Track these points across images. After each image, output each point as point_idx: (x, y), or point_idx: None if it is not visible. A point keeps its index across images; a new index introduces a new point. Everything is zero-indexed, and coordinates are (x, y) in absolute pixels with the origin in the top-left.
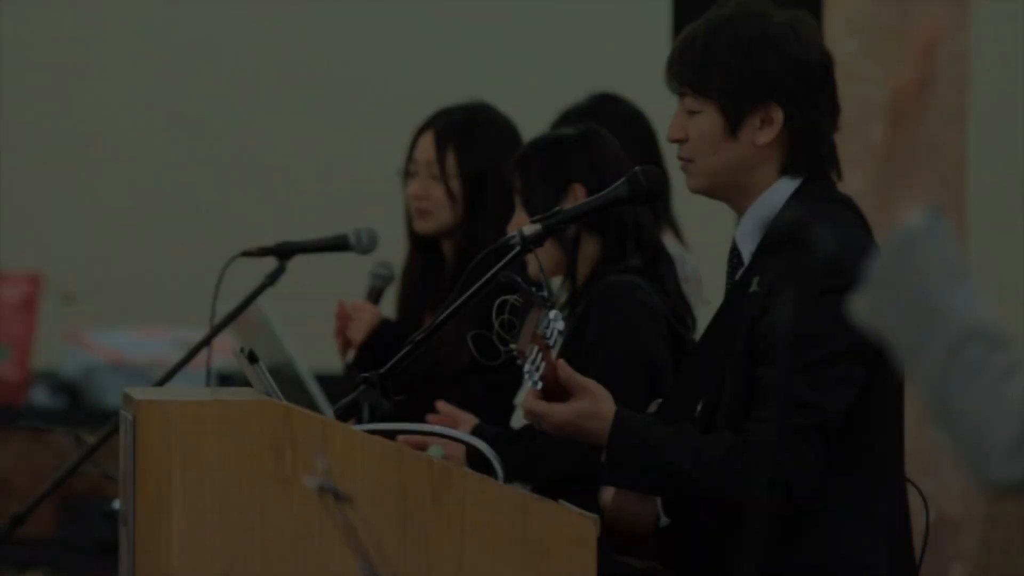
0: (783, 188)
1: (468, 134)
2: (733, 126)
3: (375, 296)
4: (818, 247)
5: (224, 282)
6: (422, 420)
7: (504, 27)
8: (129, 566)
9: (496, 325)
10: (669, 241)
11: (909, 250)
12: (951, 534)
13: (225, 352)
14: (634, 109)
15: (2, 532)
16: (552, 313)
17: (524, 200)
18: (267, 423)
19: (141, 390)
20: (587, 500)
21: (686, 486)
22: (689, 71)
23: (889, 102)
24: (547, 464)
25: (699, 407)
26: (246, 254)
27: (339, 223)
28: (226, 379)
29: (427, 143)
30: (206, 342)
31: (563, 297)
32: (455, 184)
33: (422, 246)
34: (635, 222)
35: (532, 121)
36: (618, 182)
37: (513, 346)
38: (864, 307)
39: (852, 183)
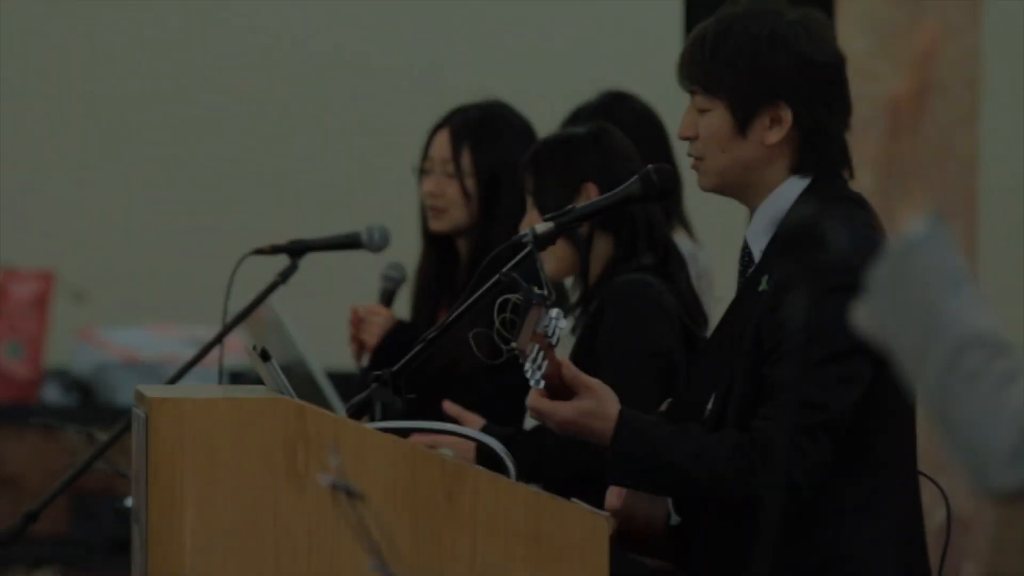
0: (793, 187)
1: (484, 133)
2: (742, 125)
3: (387, 298)
4: (831, 244)
5: (236, 280)
6: (436, 419)
7: (516, 25)
8: (142, 563)
9: (497, 323)
10: (681, 238)
11: (910, 258)
12: (963, 534)
13: (237, 350)
14: (645, 107)
15: (15, 529)
16: (554, 312)
17: (536, 199)
18: (280, 421)
19: (154, 388)
20: (599, 499)
21: (690, 485)
22: (699, 70)
23: (884, 113)
24: (559, 464)
25: (709, 406)
26: (258, 252)
27: (351, 221)
28: (238, 377)
29: (443, 141)
30: (218, 340)
31: (575, 295)
32: (470, 182)
33: (436, 245)
34: (647, 220)
35: (543, 119)
36: (630, 180)
37: (513, 345)
38: (865, 315)
39: (863, 181)
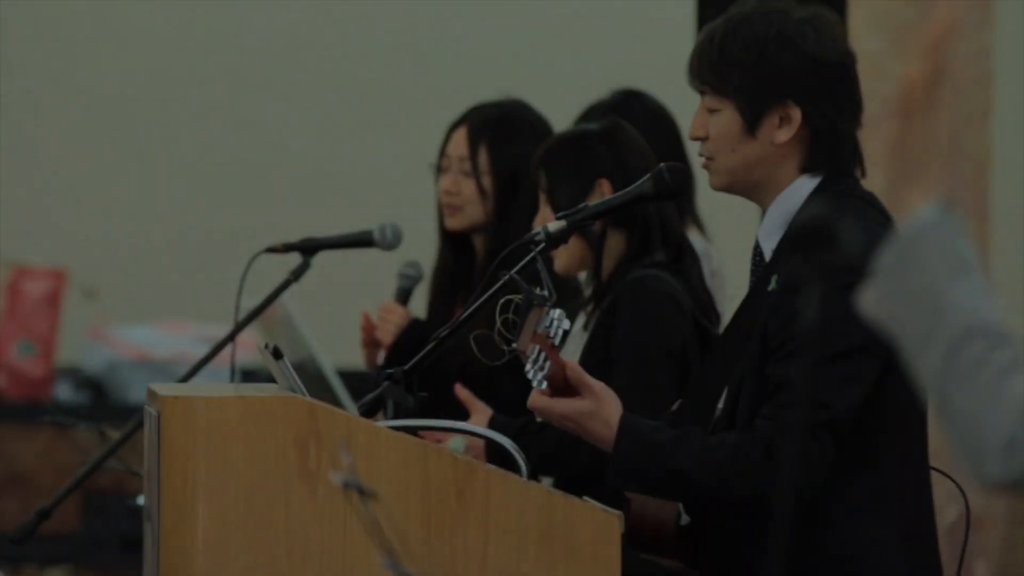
0: (803, 186)
1: (501, 131)
2: (751, 125)
3: (403, 296)
4: (843, 242)
5: (248, 278)
6: (453, 417)
7: (529, 23)
8: (154, 562)
9: (499, 324)
10: (693, 236)
11: (918, 243)
12: (974, 531)
13: (249, 348)
14: (658, 105)
15: (27, 527)
16: (556, 312)
17: (549, 196)
18: (291, 419)
19: (166, 386)
20: (612, 496)
21: (692, 489)
22: (708, 70)
23: (898, 97)
24: (573, 456)
25: (720, 404)
26: (270, 250)
27: (364, 219)
28: (250, 375)
29: (460, 138)
30: (230, 338)
31: (588, 291)
32: (487, 181)
33: (453, 243)
34: (660, 218)
35: (556, 117)
36: (643, 178)
37: (514, 345)
38: (871, 299)
39: (875, 179)
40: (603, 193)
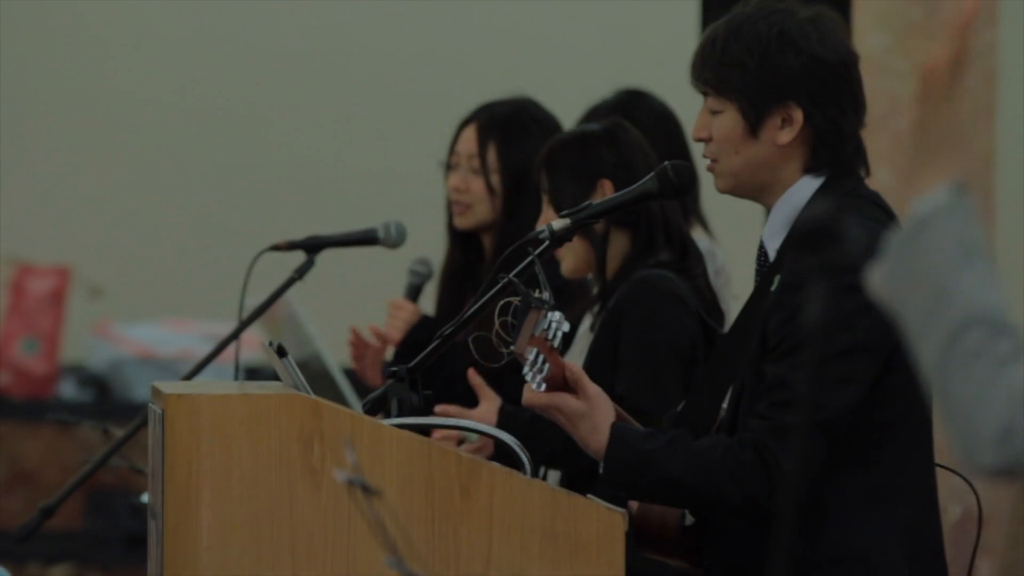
0: (807, 186)
1: (510, 129)
2: (753, 126)
3: (414, 293)
4: (846, 242)
5: (252, 276)
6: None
7: (534, 23)
8: (158, 559)
9: (497, 326)
10: (698, 235)
11: (928, 227)
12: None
13: (254, 346)
14: (662, 105)
15: (31, 525)
16: (555, 315)
17: (552, 197)
18: (295, 417)
19: (170, 384)
20: (617, 494)
21: (685, 495)
22: (709, 71)
23: (918, 80)
24: (584, 451)
25: (725, 404)
26: (275, 248)
27: (369, 217)
28: (254, 373)
29: (469, 136)
30: (235, 336)
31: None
32: (495, 179)
33: (462, 241)
34: (664, 217)
35: (560, 117)
36: (647, 177)
37: (512, 348)
38: (880, 278)
39: (879, 178)
40: (604, 194)
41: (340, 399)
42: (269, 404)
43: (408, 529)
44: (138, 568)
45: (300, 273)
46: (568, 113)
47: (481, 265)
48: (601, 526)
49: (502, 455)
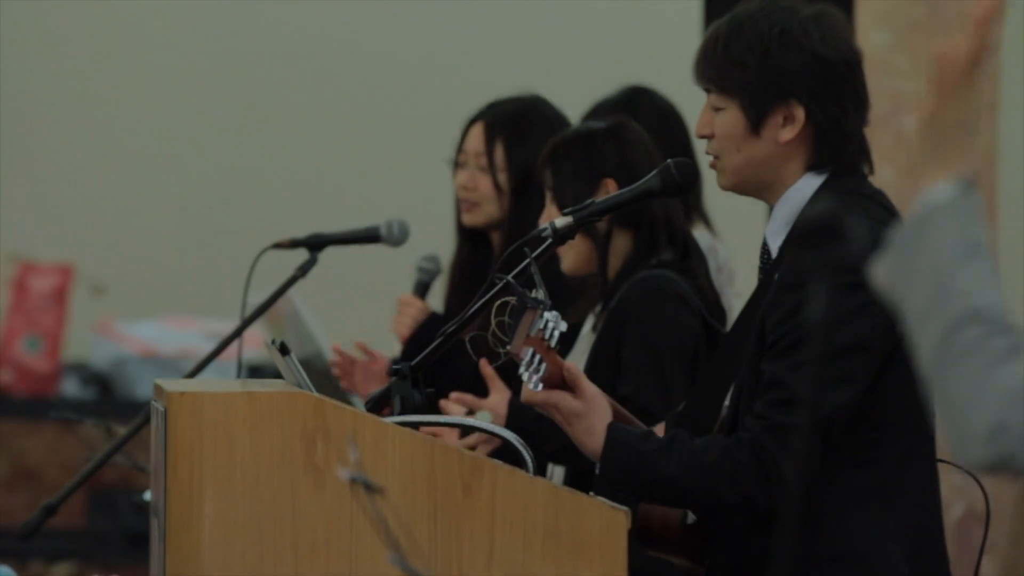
0: (809, 184)
1: (518, 127)
2: (755, 124)
3: (422, 290)
4: (850, 240)
5: (255, 274)
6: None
7: (537, 20)
8: (160, 557)
9: (493, 326)
10: (701, 232)
11: (931, 221)
12: (980, 527)
13: (256, 344)
14: (666, 102)
15: (33, 523)
16: (550, 315)
17: (555, 196)
18: (298, 415)
19: (172, 382)
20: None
21: (681, 496)
22: (712, 69)
23: (934, 69)
24: None
25: (726, 402)
26: (277, 246)
27: (372, 215)
28: (256, 371)
29: (477, 134)
30: (237, 334)
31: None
32: (503, 177)
33: (470, 238)
34: (666, 216)
35: (564, 114)
36: (650, 175)
37: (508, 348)
38: (883, 270)
39: (883, 176)
40: (608, 192)
41: (342, 397)
42: (272, 402)
43: (410, 527)
44: (140, 566)
45: (303, 271)
46: (572, 110)
47: (489, 263)
48: (604, 524)
49: (508, 450)
